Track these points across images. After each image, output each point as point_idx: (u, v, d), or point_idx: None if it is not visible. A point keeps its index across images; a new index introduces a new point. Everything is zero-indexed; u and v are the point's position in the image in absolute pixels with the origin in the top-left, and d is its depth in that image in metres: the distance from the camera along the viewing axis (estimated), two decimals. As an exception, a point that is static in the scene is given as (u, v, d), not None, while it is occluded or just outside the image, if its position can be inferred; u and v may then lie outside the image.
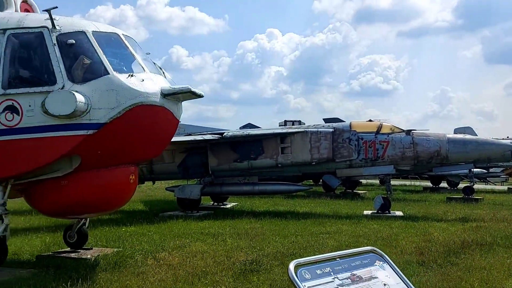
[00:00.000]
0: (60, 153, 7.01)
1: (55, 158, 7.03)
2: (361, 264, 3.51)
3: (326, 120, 19.77)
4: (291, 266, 3.06)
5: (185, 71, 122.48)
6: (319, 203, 20.00)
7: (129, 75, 7.33)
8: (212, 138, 16.31)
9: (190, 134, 17.37)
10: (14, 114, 6.99)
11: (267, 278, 7.22)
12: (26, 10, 8.96)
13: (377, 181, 35.44)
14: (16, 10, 8.64)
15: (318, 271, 3.18)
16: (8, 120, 7.00)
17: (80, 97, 6.80)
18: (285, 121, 37.49)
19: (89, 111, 6.96)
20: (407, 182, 38.62)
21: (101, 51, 7.30)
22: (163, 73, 8.86)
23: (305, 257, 3.53)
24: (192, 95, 7.89)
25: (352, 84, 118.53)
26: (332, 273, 3.23)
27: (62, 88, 6.92)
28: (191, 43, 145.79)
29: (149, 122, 7.50)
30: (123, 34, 7.95)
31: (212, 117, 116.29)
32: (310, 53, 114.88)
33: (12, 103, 7.00)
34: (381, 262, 3.65)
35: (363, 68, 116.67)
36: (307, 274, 3.09)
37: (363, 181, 33.46)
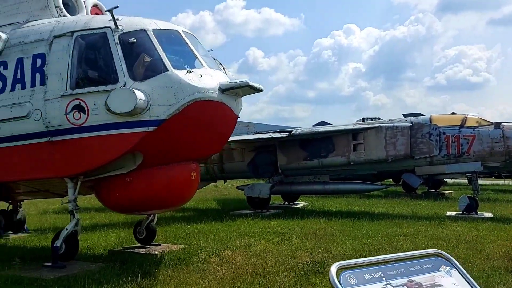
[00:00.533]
0: (123, 150, 7.15)
1: (118, 155, 7.19)
2: (422, 269, 3.00)
3: (406, 116, 18.56)
4: (333, 268, 2.67)
5: (261, 72, 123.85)
6: (397, 203, 18.85)
7: (187, 71, 7.30)
8: (280, 136, 16.02)
9: (259, 133, 17.24)
10: (81, 113, 7.26)
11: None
12: (96, 14, 9.34)
13: (464, 180, 32.79)
14: (87, 14, 9.06)
15: (367, 276, 2.74)
16: (76, 119, 7.29)
17: (140, 95, 6.88)
18: (363, 119, 36.24)
19: (149, 108, 7.02)
20: (500, 182, 35.33)
21: (160, 49, 7.35)
22: (223, 68, 8.77)
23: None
24: (250, 89, 7.68)
25: (437, 78, 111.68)
26: (384, 279, 2.77)
27: (124, 86, 7.06)
28: (266, 44, 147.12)
29: (207, 117, 7.41)
30: (183, 31, 7.96)
31: (288, 117, 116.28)
32: (390, 47, 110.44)
33: (79, 102, 7.28)
34: (447, 268, 3.10)
35: (449, 61, 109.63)
36: (352, 278, 2.67)
37: (449, 180, 31.07)
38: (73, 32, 7.57)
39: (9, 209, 12.02)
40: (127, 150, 7.16)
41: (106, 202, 7.96)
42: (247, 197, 16.70)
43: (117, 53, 7.24)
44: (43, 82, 7.53)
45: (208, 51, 9.34)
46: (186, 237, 10.82)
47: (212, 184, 22.82)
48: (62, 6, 8.61)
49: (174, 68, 7.26)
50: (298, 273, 7.24)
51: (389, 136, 15.47)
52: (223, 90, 7.45)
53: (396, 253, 8.56)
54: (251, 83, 7.54)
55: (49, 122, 7.41)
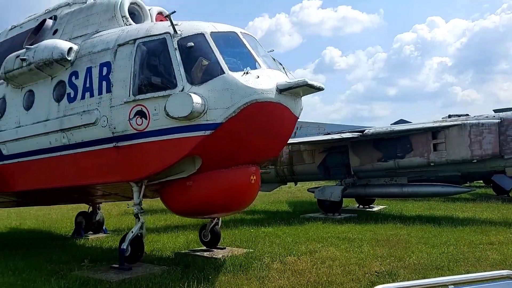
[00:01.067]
0: (181, 155, 7.16)
1: (177, 159, 7.21)
2: (490, 296, 2.47)
3: (497, 111, 16.84)
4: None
5: (338, 71, 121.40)
6: (485, 207, 17.17)
7: (244, 73, 7.14)
8: (351, 136, 15.33)
9: (329, 133, 16.68)
10: (143, 119, 7.40)
11: (399, 295, 6.17)
12: (161, 21, 9.54)
13: None
14: (152, 22, 9.28)
15: (417, 303, 2.30)
16: (138, 125, 7.45)
17: (196, 99, 6.84)
18: (450, 116, 33.74)
19: (206, 112, 6.96)
20: None
21: (217, 51, 7.27)
22: (283, 68, 8.50)
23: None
24: (310, 88, 7.32)
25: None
26: (438, 307, 2.31)
27: (182, 90, 7.07)
28: (344, 43, 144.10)
29: (265, 119, 7.18)
30: (241, 32, 7.83)
31: (367, 117, 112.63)
32: (480, 38, 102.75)
33: (141, 108, 7.42)
34: (524, 295, 2.53)
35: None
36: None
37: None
38: (135, 40, 7.76)
39: (89, 211, 12.79)
40: (185, 154, 7.16)
41: (169, 205, 8.06)
42: (317, 200, 16.23)
43: (176, 58, 7.28)
44: (109, 90, 7.80)
45: (269, 51, 9.13)
46: (252, 241, 10.68)
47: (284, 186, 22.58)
48: (128, 16, 8.90)
49: (231, 71, 7.13)
50: (365, 284, 6.74)
51: (474, 134, 14.11)
52: (281, 90, 7.18)
53: (481, 265, 7.73)
54: (310, 82, 7.18)
55: (114, 128, 7.66)
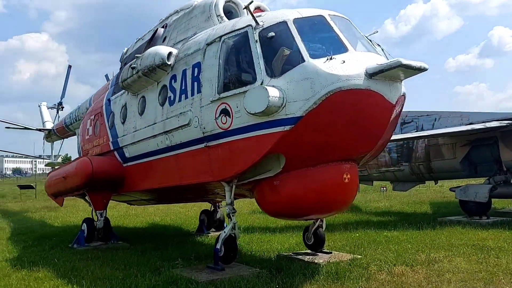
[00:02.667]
0: (262, 152, 6.74)
1: (259, 157, 6.81)
2: None
3: None
4: None
5: (510, 54, 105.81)
6: None
7: (327, 59, 6.39)
8: (500, 125, 12.84)
9: (471, 123, 14.28)
10: (227, 117, 7.20)
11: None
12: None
13: None
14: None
15: None
16: (223, 123, 7.28)
17: (273, 92, 6.35)
18: None
19: (284, 106, 6.42)
20: None
21: (299, 39, 6.67)
22: (382, 50, 7.43)
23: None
24: (407, 69, 6.16)
25: None
26: None
27: (261, 84, 6.66)
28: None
29: (352, 109, 6.30)
30: (329, 15, 7.06)
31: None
32: None
33: (225, 106, 7.23)
34: None
35: None
36: None
37: None
38: (221, 37, 7.63)
39: (211, 209, 13.26)
40: (266, 152, 6.71)
41: (261, 205, 7.70)
42: (459, 201, 14.04)
43: (256, 50, 6.91)
44: (199, 90, 7.83)
45: (373, 33, 8.14)
46: (367, 245, 9.65)
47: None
48: (222, 14, 8.86)
49: (312, 58, 6.46)
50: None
51: None
52: (371, 75, 6.22)
53: None
54: (405, 62, 6.04)
55: (204, 128, 7.64)
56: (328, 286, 6.47)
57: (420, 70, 6.29)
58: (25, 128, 20.68)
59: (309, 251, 8.97)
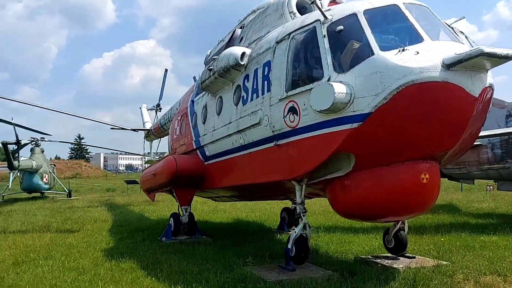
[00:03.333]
0: (330, 151, 6.48)
1: (326, 156, 6.56)
2: None
3: None
4: None
5: None
6: None
7: (399, 51, 5.94)
8: None
9: None
10: (294, 115, 7.07)
11: None
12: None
13: None
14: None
15: None
16: (290, 121, 7.16)
17: (339, 88, 6.08)
18: None
19: (352, 102, 6.11)
20: None
21: (369, 31, 6.29)
22: (466, 38, 6.72)
23: None
24: (490, 58, 5.47)
25: None
26: None
27: (328, 80, 6.42)
28: None
29: (426, 104, 5.77)
30: (404, 4, 6.56)
31: None
32: None
33: (293, 104, 7.10)
34: None
35: None
36: None
37: None
38: (290, 34, 7.51)
39: (292, 207, 13.15)
40: (333, 151, 6.44)
41: (332, 206, 7.40)
42: None
43: (324, 46, 6.67)
44: (269, 89, 7.80)
45: (459, 20, 7.43)
46: (457, 251, 8.84)
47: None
48: (295, 11, 8.71)
49: (383, 50, 6.05)
50: None
51: None
52: (449, 66, 5.64)
53: None
54: (487, 50, 5.37)
55: (273, 127, 7.60)
56: (401, 294, 6.04)
57: (508, 58, 5.54)
58: (125, 129, 22.48)
59: (389, 254, 8.47)
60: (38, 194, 29.32)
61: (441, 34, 6.40)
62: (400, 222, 8.22)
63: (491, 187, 23.87)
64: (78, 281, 7.01)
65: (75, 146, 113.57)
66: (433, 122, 5.88)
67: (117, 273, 7.49)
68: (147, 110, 25.28)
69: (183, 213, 11.62)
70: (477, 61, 5.55)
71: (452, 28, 6.81)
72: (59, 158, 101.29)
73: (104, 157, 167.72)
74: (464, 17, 7.79)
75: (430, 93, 5.73)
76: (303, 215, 7.63)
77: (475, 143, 15.34)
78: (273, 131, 7.63)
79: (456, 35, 6.64)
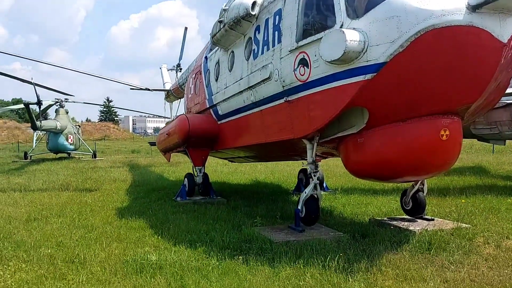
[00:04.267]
0: (341, 106, 5.99)
1: (338, 111, 6.08)
2: None
3: None
4: None
5: None
6: None
7: (419, -9, 5.29)
8: None
9: None
10: (305, 68, 6.57)
11: None
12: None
13: None
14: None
15: None
16: (301, 75, 6.67)
17: (351, 35, 5.53)
18: None
19: (366, 51, 5.56)
20: None
21: (386, -31, 5.63)
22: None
23: None
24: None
25: None
26: None
27: (341, 27, 5.86)
28: None
29: (448, 51, 5.18)
30: None
31: None
32: None
33: (303, 56, 6.59)
34: None
35: None
36: None
37: None
38: None
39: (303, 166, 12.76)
40: (345, 105, 5.95)
41: (345, 165, 6.97)
42: None
43: None
44: (279, 40, 7.28)
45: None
46: (480, 213, 8.36)
47: None
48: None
49: (400, -9, 5.41)
50: None
51: None
52: (474, 7, 5.00)
53: None
54: (520, -14, 4.69)
55: (283, 81, 7.13)
56: (413, 258, 5.66)
57: (543, -3, 4.85)
58: (143, 89, 22.30)
59: (406, 216, 8.07)
60: (65, 155, 29.94)
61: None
62: (419, 182, 7.77)
63: (525, 149, 22.71)
64: (84, 239, 6.96)
65: (104, 109, 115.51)
66: (455, 71, 5.29)
67: (124, 231, 7.41)
68: (168, 70, 25.01)
69: (197, 173, 11.45)
70: (506, 2, 4.88)
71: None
72: (89, 121, 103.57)
73: (133, 119, 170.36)
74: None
75: (452, 39, 5.12)
76: (314, 175, 7.28)
77: (507, 101, 14.52)
78: (283, 86, 7.18)
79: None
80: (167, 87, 22.88)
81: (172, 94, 21.13)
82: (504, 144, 17.50)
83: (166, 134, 12.11)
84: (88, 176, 17.27)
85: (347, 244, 6.34)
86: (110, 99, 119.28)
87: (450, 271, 5.11)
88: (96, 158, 29.04)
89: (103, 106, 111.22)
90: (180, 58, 24.76)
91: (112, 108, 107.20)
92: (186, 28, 24.98)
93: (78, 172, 19.30)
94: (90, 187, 13.70)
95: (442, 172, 6.79)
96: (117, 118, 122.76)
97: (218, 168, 19.66)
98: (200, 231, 7.34)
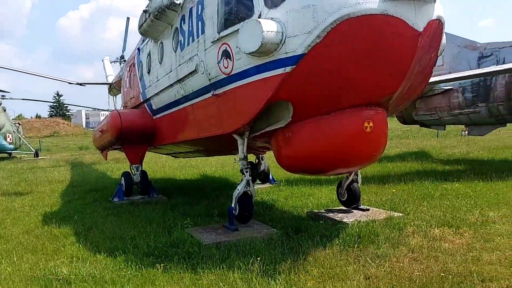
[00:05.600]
0: (263, 100, 5.73)
1: (261, 105, 5.80)
2: None
3: None
4: None
5: None
6: None
7: (334, -20, 5.07)
8: None
9: None
10: (228, 60, 6.24)
11: None
12: None
13: None
14: None
15: None
16: (225, 67, 6.34)
17: (268, 26, 5.25)
18: None
19: (284, 42, 5.30)
20: None
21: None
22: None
23: None
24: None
25: None
26: None
27: (259, 17, 5.56)
28: None
29: (364, 41, 5.01)
30: None
31: None
32: None
33: (226, 48, 6.27)
34: None
35: None
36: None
37: None
38: None
39: (256, 161, 12.57)
40: (268, 99, 5.69)
41: (277, 160, 6.74)
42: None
43: None
44: (203, 31, 6.91)
45: None
46: (414, 201, 8.44)
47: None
48: None
49: (316, -21, 5.17)
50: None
51: None
52: (389, -5, 4.83)
53: None
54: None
55: (209, 74, 6.79)
56: (341, 253, 5.53)
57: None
58: (83, 84, 21.30)
59: (343, 208, 8.00)
60: (5, 155, 28.31)
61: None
62: (353, 173, 7.69)
63: (466, 132, 23.58)
64: (-3, 252, 6.39)
65: (54, 104, 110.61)
66: (373, 61, 5.14)
67: (43, 241, 6.86)
68: (111, 62, 23.99)
69: (134, 172, 10.94)
70: (421, -12, 4.75)
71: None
72: (39, 117, 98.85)
73: (86, 114, 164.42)
74: None
75: (368, 28, 4.95)
76: (246, 171, 7.04)
77: (445, 88, 14.88)
78: (209, 79, 6.83)
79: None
80: (110, 80, 21.95)
81: (115, 87, 20.25)
82: (444, 129, 18.05)
83: (100, 131, 11.49)
84: (23, 177, 16.27)
85: (278, 242, 6.14)
86: (60, 94, 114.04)
87: (374, 266, 5.00)
88: (39, 157, 27.62)
89: (50, 102, 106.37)
90: (124, 50, 23.70)
91: (62, 103, 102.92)
92: (128, 18, 23.95)
93: (14, 173, 18.19)
94: (22, 190, 12.86)
95: (370, 163, 6.70)
96: (69, 113, 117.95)
97: (167, 163, 19.12)
98: (126, 236, 6.91)
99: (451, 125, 17.92)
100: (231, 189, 11.89)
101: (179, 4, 7.79)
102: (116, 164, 20.50)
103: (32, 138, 50.51)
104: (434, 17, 5.15)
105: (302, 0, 5.15)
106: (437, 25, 5.26)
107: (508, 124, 15.06)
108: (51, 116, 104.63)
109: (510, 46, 13.73)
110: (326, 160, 5.96)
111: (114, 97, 21.96)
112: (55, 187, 13.37)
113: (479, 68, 14.14)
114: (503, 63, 13.72)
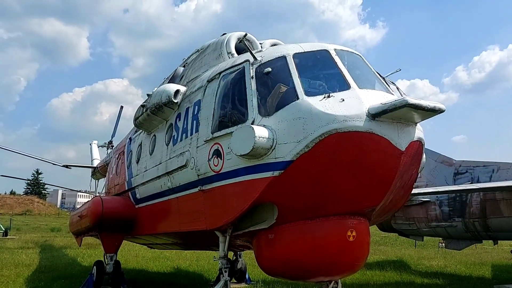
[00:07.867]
0: (250, 200, 5.89)
1: (247, 205, 5.95)
2: None
3: None
4: None
5: None
6: None
7: (324, 97, 5.57)
8: None
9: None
10: (219, 159, 6.51)
11: None
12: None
13: None
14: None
15: None
16: (215, 165, 6.58)
17: (260, 132, 5.60)
18: None
19: (274, 148, 5.62)
20: None
21: (296, 74, 5.95)
22: (398, 89, 6.49)
23: None
24: (416, 110, 5.15)
25: None
26: None
27: (252, 123, 5.95)
28: None
29: (349, 155, 5.35)
30: (335, 50, 6.29)
31: None
32: None
33: (217, 147, 6.57)
34: None
35: None
36: None
37: None
38: (220, 73, 7.12)
39: (233, 258, 12.34)
40: (254, 200, 5.85)
41: (257, 261, 6.70)
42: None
43: (250, 87, 6.26)
44: (197, 129, 7.28)
45: (395, 72, 7.26)
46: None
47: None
48: (234, 52, 8.33)
49: (308, 95, 5.67)
50: None
51: None
52: (374, 115, 5.29)
53: None
54: (412, 101, 5.06)
55: (198, 170, 7.00)
56: None
57: (435, 111, 5.26)
58: (68, 166, 21.31)
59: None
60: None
61: (370, 83, 6.12)
62: (333, 282, 7.60)
63: (443, 243, 23.72)
64: None
65: (31, 182, 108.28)
66: (357, 174, 5.44)
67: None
68: (99, 147, 24.28)
69: (107, 261, 10.58)
70: (402, 113, 5.22)
71: (383, 78, 6.58)
72: (14, 193, 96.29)
73: (62, 193, 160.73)
74: (400, 69, 7.65)
75: (354, 143, 5.32)
76: (225, 271, 6.96)
77: (423, 199, 15.31)
78: (198, 175, 7.02)
79: (387, 85, 6.39)
80: (95, 163, 22.04)
81: (99, 172, 20.29)
82: (422, 240, 18.17)
83: (79, 216, 11.30)
84: (-12, 258, 15.48)
85: None
86: (40, 171, 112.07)
87: None
88: (7, 237, 26.45)
89: (28, 180, 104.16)
90: (113, 136, 24.21)
91: (39, 181, 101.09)
92: (121, 107, 25.09)
93: (-21, 253, 17.30)
94: (-15, 273, 12.18)
95: (351, 273, 6.69)
96: (45, 192, 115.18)
97: (141, 253, 18.49)
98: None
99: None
100: (204, 287, 11.57)
101: (177, 102, 8.29)
102: (87, 250, 19.73)
103: (3, 215, 48.69)
104: (415, 139, 5.57)
105: (294, 112, 5.57)
106: (418, 146, 5.68)
107: (483, 241, 15.33)
108: (26, 193, 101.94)
109: (483, 166, 14.49)
110: (308, 267, 5.95)
111: (97, 181, 21.91)
112: (21, 272, 12.71)
113: (455, 183, 14.77)
114: (478, 181, 14.40)
